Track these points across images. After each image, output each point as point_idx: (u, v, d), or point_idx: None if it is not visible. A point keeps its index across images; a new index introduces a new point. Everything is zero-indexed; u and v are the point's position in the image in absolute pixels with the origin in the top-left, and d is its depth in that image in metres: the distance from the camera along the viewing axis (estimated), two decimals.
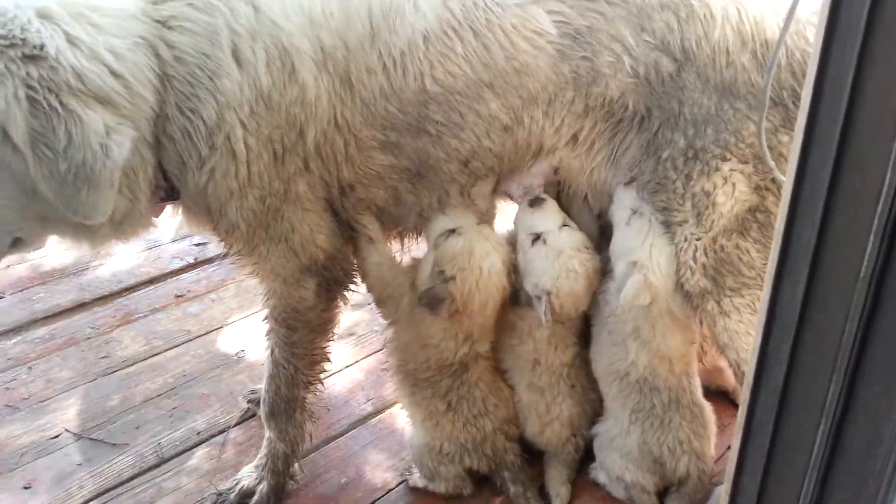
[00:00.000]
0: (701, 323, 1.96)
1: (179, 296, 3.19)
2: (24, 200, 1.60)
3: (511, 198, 2.08)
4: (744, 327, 1.88)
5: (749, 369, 1.12)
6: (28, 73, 1.47)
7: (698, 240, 1.84)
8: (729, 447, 2.25)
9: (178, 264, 3.43)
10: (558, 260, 1.95)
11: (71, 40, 1.52)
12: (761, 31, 1.73)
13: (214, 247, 3.48)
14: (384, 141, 1.81)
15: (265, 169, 1.74)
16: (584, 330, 2.15)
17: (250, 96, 1.67)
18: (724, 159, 1.77)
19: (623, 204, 1.93)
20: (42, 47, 1.48)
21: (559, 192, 2.07)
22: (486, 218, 2.04)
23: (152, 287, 3.25)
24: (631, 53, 1.75)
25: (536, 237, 1.98)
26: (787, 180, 1.01)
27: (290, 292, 1.93)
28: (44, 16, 1.52)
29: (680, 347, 1.99)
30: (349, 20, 1.73)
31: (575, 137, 1.86)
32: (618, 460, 2.07)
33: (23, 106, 1.47)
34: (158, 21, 1.64)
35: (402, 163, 1.86)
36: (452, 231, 1.94)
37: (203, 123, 1.66)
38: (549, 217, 1.98)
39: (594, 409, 2.18)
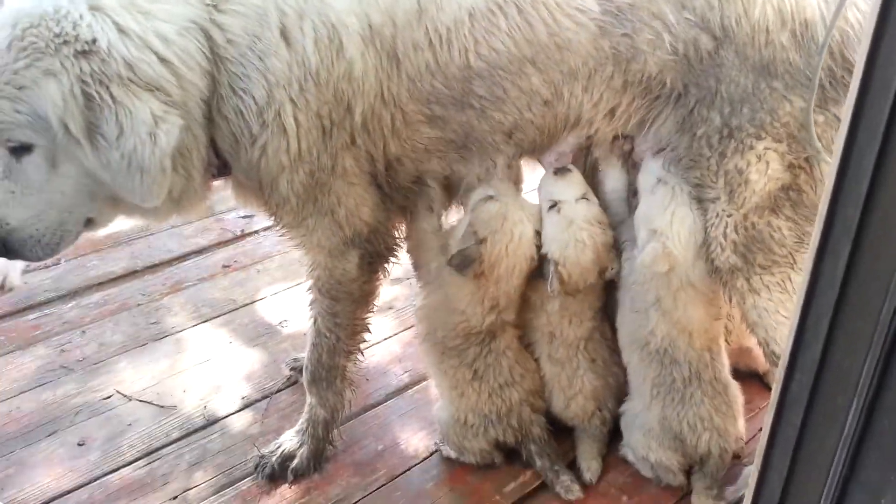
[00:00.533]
0: (730, 300, 1.96)
1: (226, 266, 3.28)
2: (93, 185, 1.71)
3: (541, 165, 2.12)
4: (773, 305, 1.88)
5: (786, 345, 1.12)
6: (81, 69, 1.55)
7: (729, 216, 1.86)
8: (761, 429, 2.26)
9: (225, 236, 3.52)
10: (568, 229, 1.98)
11: (121, 30, 1.59)
12: (801, 11, 1.72)
13: (260, 220, 3.57)
14: (430, 115, 1.85)
15: (314, 144, 1.79)
16: (605, 305, 2.17)
17: (299, 74, 1.71)
18: (759, 138, 1.78)
19: (650, 173, 1.95)
20: (94, 41, 1.56)
21: (586, 162, 2.11)
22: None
23: (201, 257, 3.34)
24: (671, 31, 1.76)
25: (553, 204, 2.01)
26: (834, 157, 1.01)
27: (334, 264, 1.98)
28: (95, 8, 1.59)
29: (702, 321, 1.99)
30: None
31: (612, 112, 1.88)
32: (641, 439, 2.09)
33: (79, 101, 1.56)
34: (210, 4, 1.68)
35: (448, 135, 1.89)
36: (490, 197, 1.99)
37: (254, 102, 1.72)
38: (570, 187, 2.02)
39: (618, 383, 2.20)
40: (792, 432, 1.11)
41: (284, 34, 1.70)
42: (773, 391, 1.16)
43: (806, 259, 1.08)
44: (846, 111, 0.99)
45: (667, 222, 1.89)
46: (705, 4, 1.74)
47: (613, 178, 2.11)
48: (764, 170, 1.80)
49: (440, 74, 1.80)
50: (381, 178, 1.93)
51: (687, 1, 1.75)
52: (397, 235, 2.09)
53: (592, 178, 2.13)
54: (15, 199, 1.69)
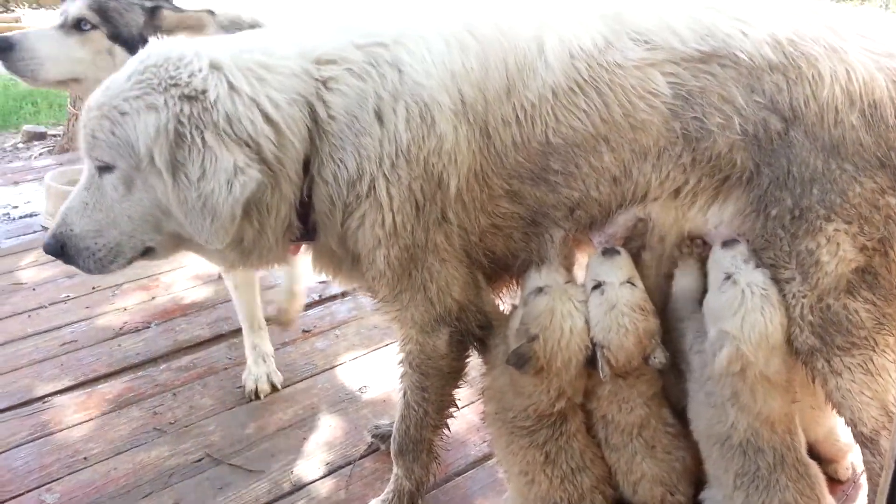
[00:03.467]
0: (813, 380, 1.95)
1: (306, 331, 3.41)
2: (160, 217, 1.83)
3: (592, 243, 2.13)
4: (857, 387, 1.87)
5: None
6: (181, 110, 1.71)
7: (804, 297, 1.86)
8: None
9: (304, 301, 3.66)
10: (610, 313, 1.98)
11: (233, 88, 1.75)
12: (870, 91, 1.76)
13: (337, 286, 3.69)
14: (509, 189, 1.92)
15: (408, 219, 1.88)
16: (661, 391, 2.13)
17: (390, 150, 1.83)
18: (829, 219, 1.80)
19: (718, 265, 1.95)
20: (204, 92, 1.73)
21: (641, 246, 2.08)
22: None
23: None
24: (741, 113, 1.81)
25: (597, 285, 2.02)
26: None
27: (425, 340, 2.05)
28: (215, 66, 1.77)
29: (781, 408, 1.97)
30: (488, 73, 1.86)
31: (678, 191, 1.91)
32: None
33: (170, 137, 1.70)
34: (319, 80, 1.84)
35: (521, 211, 1.96)
36: (540, 290, 2.01)
37: (347, 171, 1.84)
38: (615, 270, 2.01)
39: (685, 466, 2.13)
40: None
41: (378, 115, 1.83)
42: (883, 473, 1.17)
43: None
44: None
45: (737, 325, 1.88)
46: (774, 87, 1.80)
47: (687, 276, 2.08)
48: (834, 251, 1.81)
49: (523, 150, 1.88)
50: (475, 252, 1.99)
51: (756, 84, 1.80)
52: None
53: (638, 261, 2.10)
54: (86, 210, 1.84)
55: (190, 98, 1.71)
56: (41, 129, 7.22)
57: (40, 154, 6.65)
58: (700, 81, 1.82)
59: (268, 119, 1.76)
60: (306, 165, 1.85)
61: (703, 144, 1.84)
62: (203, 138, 1.70)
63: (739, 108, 1.81)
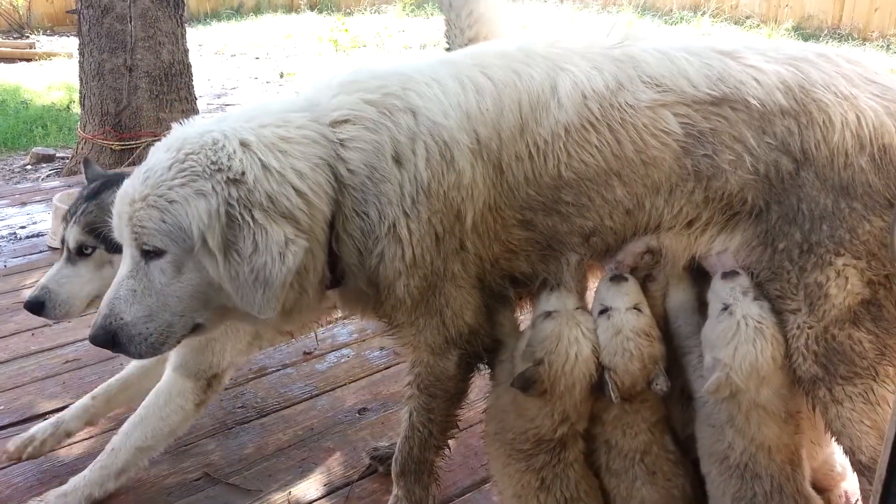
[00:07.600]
0: (813, 409, 1.97)
1: (307, 353, 3.43)
2: (210, 293, 1.88)
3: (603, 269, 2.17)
4: (857, 415, 1.90)
5: (882, 459, 1.16)
6: (230, 194, 1.77)
7: (810, 328, 1.90)
8: None
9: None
10: (615, 338, 2.02)
11: (265, 167, 1.81)
12: (880, 136, 1.82)
13: (336, 310, 3.72)
14: (521, 219, 1.98)
15: (427, 250, 1.93)
16: (664, 417, 2.14)
17: (411, 189, 1.89)
18: (838, 254, 1.85)
19: (717, 295, 1.99)
20: (243, 174, 1.78)
21: (647, 277, 2.12)
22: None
23: (284, 344, 3.49)
24: (752, 153, 1.87)
25: (604, 310, 2.06)
26: None
27: (435, 362, 2.10)
28: (245, 145, 1.82)
29: (778, 437, 1.99)
30: (502, 113, 1.93)
31: (690, 224, 1.97)
32: None
33: (221, 220, 1.76)
34: (336, 142, 1.90)
35: (535, 237, 2.02)
36: (549, 314, 2.05)
37: (371, 220, 1.91)
38: (622, 296, 2.05)
39: (685, 495, 2.13)
40: None
41: (396, 159, 1.89)
42: (871, 498, 1.19)
43: None
44: None
45: (730, 354, 1.93)
46: (785, 130, 1.85)
47: (680, 292, 2.13)
48: (843, 285, 1.86)
49: (534, 183, 1.94)
50: (488, 278, 2.04)
51: (767, 126, 1.86)
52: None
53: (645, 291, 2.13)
54: (135, 296, 1.85)
55: (234, 181, 1.77)
56: (50, 151, 7.32)
57: (48, 176, 6.73)
58: (711, 123, 1.88)
59: (297, 190, 1.82)
60: (331, 221, 1.91)
61: (715, 183, 1.90)
62: (252, 217, 1.76)
63: (751, 148, 1.86)
